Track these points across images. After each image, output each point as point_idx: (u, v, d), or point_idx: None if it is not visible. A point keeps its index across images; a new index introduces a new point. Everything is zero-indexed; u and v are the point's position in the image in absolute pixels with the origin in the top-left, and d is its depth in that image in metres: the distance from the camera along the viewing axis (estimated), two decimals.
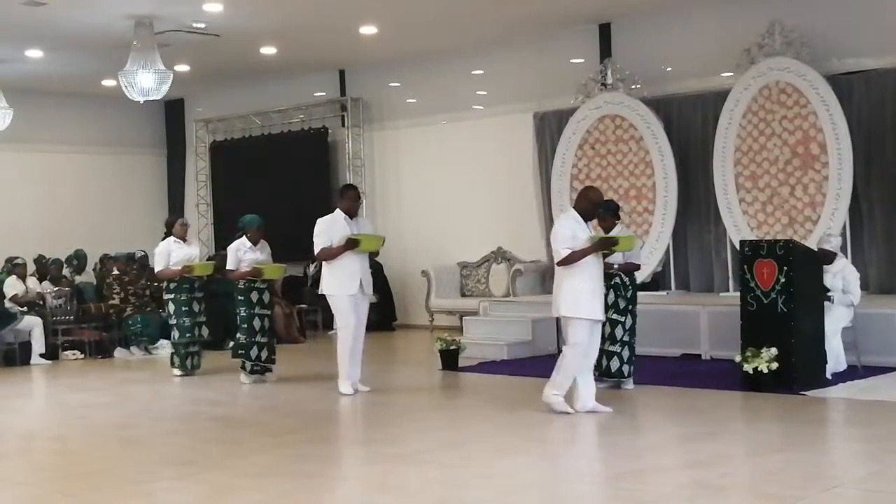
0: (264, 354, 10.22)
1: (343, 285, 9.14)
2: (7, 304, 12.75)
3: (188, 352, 11.03)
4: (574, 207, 7.97)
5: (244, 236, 10.24)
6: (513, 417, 8.08)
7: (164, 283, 11.15)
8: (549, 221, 13.44)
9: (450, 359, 10.65)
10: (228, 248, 10.31)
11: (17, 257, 13.58)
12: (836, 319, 9.10)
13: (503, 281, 14.11)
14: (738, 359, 8.68)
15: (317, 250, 9.25)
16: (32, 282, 13.64)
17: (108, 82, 15.43)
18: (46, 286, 13.48)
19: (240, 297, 10.23)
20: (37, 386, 11.51)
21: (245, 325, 10.18)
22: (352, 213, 9.31)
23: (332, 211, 9.34)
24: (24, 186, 17.04)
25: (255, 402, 9.29)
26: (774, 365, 8.43)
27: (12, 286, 13.16)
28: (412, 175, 15.65)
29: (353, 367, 9.21)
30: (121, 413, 9.03)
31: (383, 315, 15.18)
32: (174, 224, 11.20)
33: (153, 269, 14.94)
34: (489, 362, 11.04)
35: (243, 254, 10.17)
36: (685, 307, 11.17)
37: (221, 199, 17.74)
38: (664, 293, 12.19)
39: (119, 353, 13.16)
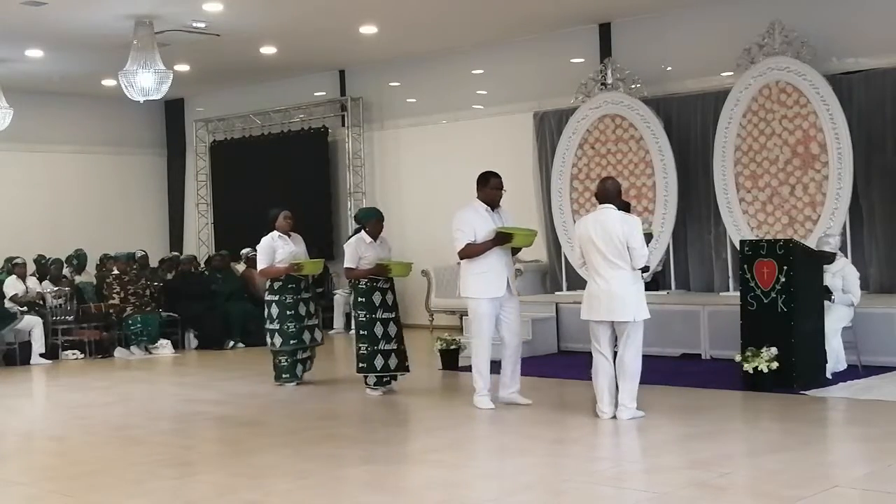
0: (393, 363, 9.06)
1: (489, 287, 8.15)
2: (7, 303, 12.75)
3: (296, 360, 9.84)
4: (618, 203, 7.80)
5: (362, 230, 9.17)
6: (513, 417, 8.09)
7: (268, 283, 9.83)
8: (549, 221, 13.43)
9: (450, 358, 10.64)
10: (345, 245, 9.21)
11: (17, 257, 13.59)
12: (836, 319, 9.10)
13: None
14: (738, 358, 8.68)
15: (460, 246, 8.15)
16: (32, 282, 13.65)
17: (108, 82, 15.45)
18: (46, 286, 13.48)
19: (360, 300, 9.03)
20: (37, 386, 11.51)
21: (365, 332, 8.98)
22: (494, 204, 8.33)
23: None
24: (24, 186, 17.04)
25: (256, 402, 9.28)
26: (774, 364, 8.44)
27: (12, 286, 13.16)
28: (412, 175, 15.65)
29: (513, 377, 8.34)
30: (121, 413, 9.03)
31: None
32: (278, 218, 9.90)
33: (155, 269, 15.08)
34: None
35: (364, 250, 9.06)
36: (685, 307, 11.17)
37: (221, 199, 17.76)
38: (664, 293, 12.18)
39: (119, 353, 13.16)
